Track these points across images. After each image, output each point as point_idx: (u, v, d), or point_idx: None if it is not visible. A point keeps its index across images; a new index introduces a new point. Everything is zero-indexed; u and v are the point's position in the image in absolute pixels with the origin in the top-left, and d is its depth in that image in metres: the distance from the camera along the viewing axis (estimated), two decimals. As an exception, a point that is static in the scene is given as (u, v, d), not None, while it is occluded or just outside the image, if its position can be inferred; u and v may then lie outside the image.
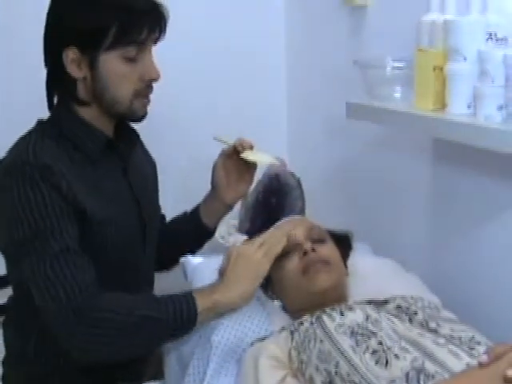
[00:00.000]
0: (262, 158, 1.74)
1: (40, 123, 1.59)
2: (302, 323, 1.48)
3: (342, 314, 1.45)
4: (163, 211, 1.87)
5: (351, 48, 2.15)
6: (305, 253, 1.59)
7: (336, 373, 1.34)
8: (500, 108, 1.48)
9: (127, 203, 1.64)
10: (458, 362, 1.32)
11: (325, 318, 1.45)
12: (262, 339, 1.51)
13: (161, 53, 1.58)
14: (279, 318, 1.61)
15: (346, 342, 1.38)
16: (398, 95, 1.78)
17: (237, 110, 2.37)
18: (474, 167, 1.77)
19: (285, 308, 1.64)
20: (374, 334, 1.39)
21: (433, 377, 1.28)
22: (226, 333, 1.55)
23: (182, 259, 1.82)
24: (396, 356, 1.33)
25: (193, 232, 1.84)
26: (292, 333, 1.47)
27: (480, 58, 1.50)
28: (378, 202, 2.16)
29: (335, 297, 1.58)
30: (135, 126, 1.70)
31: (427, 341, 1.39)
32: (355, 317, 1.44)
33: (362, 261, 1.80)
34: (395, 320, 1.47)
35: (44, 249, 1.44)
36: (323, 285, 1.56)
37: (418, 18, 1.65)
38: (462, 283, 1.84)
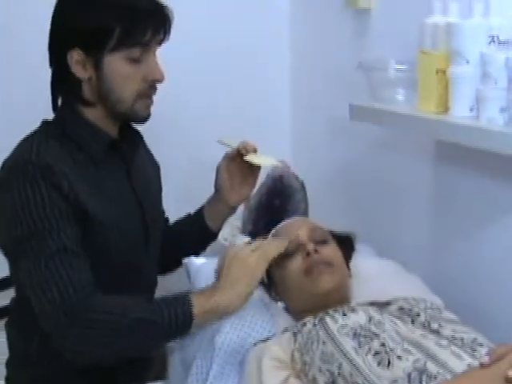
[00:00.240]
0: (265, 161, 1.74)
1: (44, 124, 1.60)
2: (304, 324, 1.48)
3: (344, 315, 1.45)
4: (166, 212, 1.88)
5: (354, 50, 2.15)
6: (308, 254, 1.59)
7: (339, 374, 1.35)
8: (502, 110, 1.48)
9: (130, 205, 1.64)
10: (459, 362, 1.32)
11: (327, 319, 1.45)
12: (265, 340, 1.52)
13: (164, 53, 1.59)
14: (282, 320, 1.61)
15: (348, 344, 1.38)
16: (400, 98, 1.78)
17: (240, 112, 2.37)
18: (476, 169, 1.77)
19: (288, 309, 1.65)
20: (377, 335, 1.39)
21: (435, 377, 1.28)
22: (229, 334, 1.55)
23: (185, 260, 1.82)
24: (398, 357, 1.34)
25: (196, 234, 1.85)
26: (295, 334, 1.48)
27: (482, 61, 1.50)
28: (381, 204, 2.17)
29: (338, 298, 1.58)
30: (136, 126, 1.71)
31: (430, 342, 1.39)
32: (358, 318, 1.44)
33: (364, 262, 1.80)
34: (398, 321, 1.47)
35: (41, 248, 1.44)
36: (326, 286, 1.57)
37: (421, 21, 1.65)
38: (464, 284, 1.84)
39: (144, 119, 1.60)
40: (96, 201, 1.53)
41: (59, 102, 1.63)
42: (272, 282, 1.67)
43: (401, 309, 1.54)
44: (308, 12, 2.39)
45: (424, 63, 1.64)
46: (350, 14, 2.16)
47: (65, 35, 1.53)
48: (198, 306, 1.48)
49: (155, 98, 1.61)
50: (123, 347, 1.49)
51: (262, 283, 1.68)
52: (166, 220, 1.90)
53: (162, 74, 1.58)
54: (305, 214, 1.96)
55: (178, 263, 1.86)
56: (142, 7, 1.51)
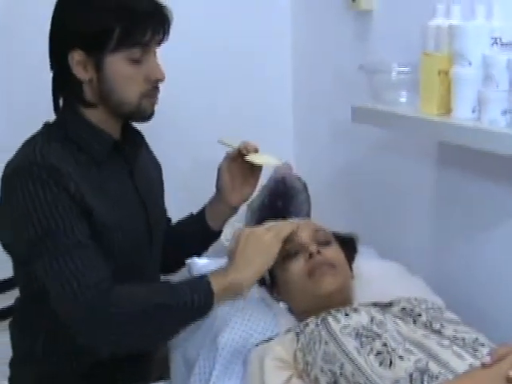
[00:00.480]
0: (266, 161, 1.74)
1: (46, 126, 1.60)
2: (307, 325, 1.48)
3: (347, 315, 1.46)
4: (169, 213, 1.88)
5: (356, 52, 2.15)
6: (310, 255, 1.59)
7: (341, 374, 1.35)
8: (504, 113, 1.48)
9: (133, 206, 1.64)
10: (461, 362, 1.33)
11: (330, 319, 1.45)
12: (268, 340, 1.52)
13: (166, 53, 1.59)
14: (285, 320, 1.61)
15: (350, 344, 1.39)
16: (403, 99, 1.79)
17: (242, 113, 2.37)
18: (478, 171, 1.77)
19: (290, 310, 1.65)
20: (379, 335, 1.40)
21: (436, 378, 1.28)
22: (231, 334, 1.56)
23: (188, 261, 1.82)
24: (400, 357, 1.34)
25: (198, 234, 1.85)
26: (297, 334, 1.48)
27: (485, 63, 1.51)
28: (383, 206, 2.17)
29: (340, 299, 1.58)
30: (138, 126, 1.71)
31: (432, 342, 1.39)
32: (360, 318, 1.45)
33: (366, 264, 1.80)
34: (400, 322, 1.47)
35: (56, 247, 1.45)
36: (329, 288, 1.57)
37: (424, 23, 1.66)
38: (466, 286, 1.84)
39: (148, 118, 1.61)
40: (99, 202, 1.53)
41: (60, 103, 1.63)
42: (275, 282, 1.68)
43: (403, 309, 1.54)
44: (310, 14, 2.39)
45: (426, 65, 1.64)
46: (351, 16, 2.16)
47: (65, 36, 1.53)
48: (216, 285, 1.50)
49: (158, 98, 1.61)
50: (148, 334, 1.50)
51: (264, 284, 1.69)
52: (169, 220, 1.90)
53: (163, 74, 1.58)
54: (308, 215, 1.97)
55: (180, 264, 1.86)
56: (142, 8, 1.51)
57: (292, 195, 1.90)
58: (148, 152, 1.81)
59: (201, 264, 1.81)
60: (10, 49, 2.05)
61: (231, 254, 1.58)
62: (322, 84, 2.37)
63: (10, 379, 1.71)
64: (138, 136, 1.72)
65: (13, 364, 1.71)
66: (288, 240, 1.61)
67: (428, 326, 1.47)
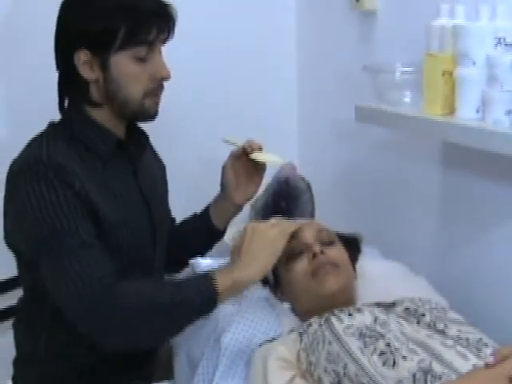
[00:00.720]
0: (270, 159, 1.75)
1: (51, 125, 1.60)
2: (310, 325, 1.49)
3: (350, 315, 1.46)
4: (174, 213, 1.88)
5: (360, 52, 2.15)
6: (314, 255, 1.59)
7: (344, 374, 1.35)
8: (508, 113, 1.48)
9: (137, 205, 1.65)
10: (464, 362, 1.33)
11: (333, 319, 1.45)
12: (271, 340, 1.52)
13: (170, 53, 1.59)
14: (288, 320, 1.62)
15: (354, 344, 1.39)
16: (407, 100, 1.79)
17: (246, 113, 2.37)
18: (482, 171, 1.77)
19: (294, 310, 1.65)
20: (382, 335, 1.40)
21: (440, 377, 1.28)
22: (235, 334, 1.56)
23: (192, 260, 1.83)
24: (404, 357, 1.34)
25: (203, 233, 1.85)
26: (301, 334, 1.48)
27: (489, 63, 1.51)
28: (387, 206, 2.17)
29: (344, 300, 1.58)
30: (144, 126, 1.72)
31: (435, 342, 1.39)
32: (363, 319, 1.45)
33: (370, 264, 1.80)
34: (403, 322, 1.47)
35: (61, 247, 1.45)
36: (332, 288, 1.57)
37: (427, 23, 1.66)
38: (470, 287, 1.84)
39: (153, 117, 1.61)
40: (105, 200, 1.54)
41: (66, 103, 1.63)
42: (278, 282, 1.68)
43: (406, 309, 1.54)
44: (314, 14, 2.39)
45: (430, 65, 1.64)
46: (355, 16, 2.16)
47: (71, 36, 1.53)
48: (221, 282, 1.49)
49: (165, 98, 1.61)
50: (153, 330, 1.49)
51: (268, 284, 1.69)
52: (173, 220, 1.90)
53: (169, 72, 1.58)
54: (311, 215, 1.97)
55: (184, 263, 1.86)
56: (146, 7, 1.51)
57: (296, 195, 1.90)
58: (152, 152, 1.81)
59: (204, 264, 1.81)
60: (12, 49, 2.05)
61: (236, 250, 1.58)
62: (325, 84, 2.37)
63: (14, 378, 1.71)
64: (143, 136, 1.73)
65: (16, 363, 1.71)
66: (293, 237, 1.60)
67: (432, 326, 1.47)
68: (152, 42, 1.53)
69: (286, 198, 1.92)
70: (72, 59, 1.52)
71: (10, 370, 1.72)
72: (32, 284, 1.61)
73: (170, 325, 1.51)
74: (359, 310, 1.48)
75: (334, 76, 2.31)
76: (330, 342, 1.41)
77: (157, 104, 1.60)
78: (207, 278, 1.50)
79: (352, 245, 1.74)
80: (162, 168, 1.84)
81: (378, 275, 1.77)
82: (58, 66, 1.59)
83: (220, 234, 1.85)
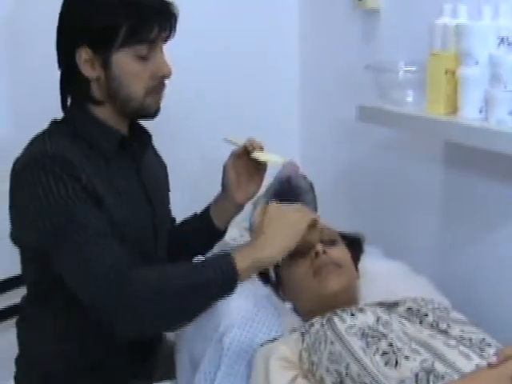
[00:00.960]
0: (272, 158, 1.74)
1: (54, 123, 1.60)
2: (312, 325, 1.48)
3: (352, 315, 1.45)
4: (175, 211, 1.88)
5: (363, 51, 2.15)
6: (316, 255, 1.59)
7: (347, 374, 1.35)
8: (511, 113, 1.48)
9: (140, 204, 1.64)
10: (467, 362, 1.32)
11: (336, 319, 1.45)
12: (273, 340, 1.52)
13: (172, 52, 1.59)
14: (290, 320, 1.61)
15: (356, 344, 1.38)
16: (409, 99, 1.79)
17: (248, 112, 2.37)
18: (485, 171, 1.77)
19: (296, 310, 1.65)
20: (385, 335, 1.39)
21: (442, 377, 1.28)
22: (237, 334, 1.55)
23: (194, 260, 1.82)
24: (406, 357, 1.33)
25: (203, 233, 1.84)
26: (303, 334, 1.48)
27: (492, 63, 1.50)
28: (389, 206, 2.17)
29: (346, 299, 1.58)
30: (145, 125, 1.71)
31: (438, 342, 1.39)
32: (366, 318, 1.45)
33: (372, 263, 1.80)
34: (406, 322, 1.47)
35: (73, 237, 1.43)
36: (334, 287, 1.57)
37: (430, 22, 1.66)
38: (473, 287, 1.84)
39: (154, 114, 1.61)
40: (109, 196, 1.53)
41: (68, 101, 1.63)
42: (280, 282, 1.68)
43: (409, 309, 1.54)
44: (316, 12, 2.39)
45: (433, 64, 1.64)
46: (358, 15, 2.16)
47: (72, 34, 1.53)
48: (240, 262, 1.47)
49: (166, 97, 1.61)
50: (171, 314, 1.47)
51: (270, 283, 1.69)
52: (173, 220, 1.90)
53: (170, 70, 1.58)
54: (314, 215, 1.96)
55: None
56: (148, 4, 1.51)
57: (297, 195, 1.89)
58: (154, 152, 1.81)
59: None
60: (14, 49, 2.04)
61: (256, 229, 1.56)
62: (328, 83, 2.37)
63: (16, 377, 1.71)
64: (146, 135, 1.72)
65: (19, 363, 1.71)
66: (312, 225, 1.59)
67: (434, 326, 1.47)
68: (153, 40, 1.53)
69: (288, 198, 1.91)
70: (73, 57, 1.52)
71: (12, 369, 1.71)
72: (36, 281, 1.61)
73: (187, 306, 1.48)
74: (361, 310, 1.48)
75: (336, 75, 2.31)
76: (332, 342, 1.41)
77: (158, 102, 1.60)
78: (226, 257, 1.48)
79: (354, 244, 1.74)
80: (163, 168, 1.83)
81: (381, 275, 1.77)
82: (60, 64, 1.59)
83: (221, 233, 1.84)
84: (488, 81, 1.52)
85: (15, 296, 1.83)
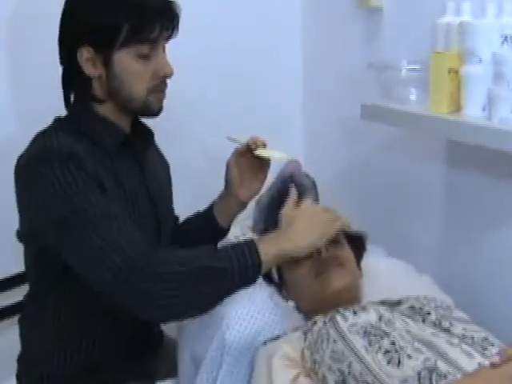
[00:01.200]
0: (275, 155, 1.74)
1: (57, 120, 1.60)
2: (315, 323, 1.48)
3: (355, 314, 1.45)
4: (179, 209, 1.88)
5: (366, 50, 2.15)
6: (319, 253, 1.59)
7: (349, 372, 1.35)
8: (515, 111, 1.48)
9: (144, 202, 1.64)
10: (470, 361, 1.32)
11: (338, 318, 1.45)
12: (276, 339, 1.52)
13: (175, 50, 1.59)
14: (293, 318, 1.61)
15: (358, 342, 1.38)
16: (413, 97, 1.78)
17: (251, 111, 2.37)
18: (487, 170, 1.77)
19: (298, 308, 1.65)
20: (387, 334, 1.39)
21: (445, 376, 1.28)
22: (239, 333, 1.56)
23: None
24: (409, 356, 1.33)
25: (207, 231, 1.84)
26: (305, 333, 1.48)
27: (495, 61, 1.50)
28: (392, 204, 2.17)
29: (349, 298, 1.58)
30: (148, 123, 1.71)
31: (441, 341, 1.39)
32: (368, 317, 1.44)
33: (375, 262, 1.80)
34: (408, 320, 1.47)
35: (85, 221, 1.40)
36: (337, 286, 1.57)
37: (433, 20, 1.65)
38: (475, 285, 1.84)
39: (157, 113, 1.60)
40: (114, 192, 1.52)
41: (71, 98, 1.63)
42: (283, 280, 1.68)
43: (412, 308, 1.53)
44: (319, 11, 2.39)
45: (436, 62, 1.64)
46: (361, 13, 2.16)
47: (74, 33, 1.53)
48: (265, 250, 1.45)
49: (169, 95, 1.61)
50: (194, 298, 1.42)
51: (273, 282, 1.69)
52: (176, 219, 1.90)
53: (171, 70, 1.57)
54: (316, 213, 1.96)
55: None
56: (151, 4, 1.51)
57: (300, 193, 1.89)
58: (157, 150, 1.81)
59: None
60: (19, 47, 2.04)
61: (286, 220, 1.54)
62: (331, 81, 2.36)
63: (18, 375, 1.71)
64: (149, 134, 1.72)
65: (21, 360, 1.71)
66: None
67: (437, 325, 1.46)
68: (155, 40, 1.53)
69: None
70: (75, 56, 1.52)
71: (13, 369, 1.72)
72: (38, 278, 1.61)
73: (210, 291, 1.43)
74: (364, 309, 1.48)
75: (340, 73, 2.31)
76: (334, 341, 1.41)
77: (161, 101, 1.60)
78: (250, 245, 1.45)
79: (357, 243, 1.74)
80: (166, 167, 1.83)
81: (383, 273, 1.77)
82: (62, 62, 1.59)
83: (224, 232, 1.84)
84: (491, 79, 1.52)
85: (15, 295, 1.83)
